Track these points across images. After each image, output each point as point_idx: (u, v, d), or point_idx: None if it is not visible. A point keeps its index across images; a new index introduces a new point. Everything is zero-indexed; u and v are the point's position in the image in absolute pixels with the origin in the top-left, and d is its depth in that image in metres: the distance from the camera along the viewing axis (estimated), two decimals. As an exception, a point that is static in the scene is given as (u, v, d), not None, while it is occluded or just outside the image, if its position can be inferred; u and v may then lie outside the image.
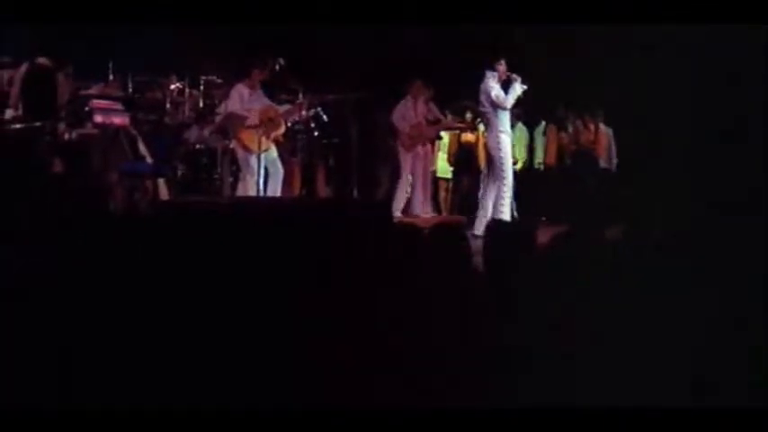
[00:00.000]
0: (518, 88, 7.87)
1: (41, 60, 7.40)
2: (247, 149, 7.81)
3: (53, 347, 2.73)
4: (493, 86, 7.87)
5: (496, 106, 7.87)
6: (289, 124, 8.84)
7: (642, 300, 2.87)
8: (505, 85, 7.95)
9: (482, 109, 8.01)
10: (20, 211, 6.28)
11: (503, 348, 2.72)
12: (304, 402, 2.55)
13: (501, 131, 7.87)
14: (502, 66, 7.97)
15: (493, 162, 7.93)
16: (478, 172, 9.39)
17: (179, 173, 8.22)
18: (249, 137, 7.79)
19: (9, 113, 7.46)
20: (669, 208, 7.15)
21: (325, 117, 9.27)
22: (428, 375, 2.66)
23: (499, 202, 7.82)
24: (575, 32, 8.47)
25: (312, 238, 4.83)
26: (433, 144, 10.47)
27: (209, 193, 8.18)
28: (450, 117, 10.35)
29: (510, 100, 7.91)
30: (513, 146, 10.75)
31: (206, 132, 8.10)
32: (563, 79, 9.69)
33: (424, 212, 9.87)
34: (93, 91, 7.70)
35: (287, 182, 8.82)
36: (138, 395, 2.56)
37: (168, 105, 8.70)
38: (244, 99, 7.89)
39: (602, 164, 10.29)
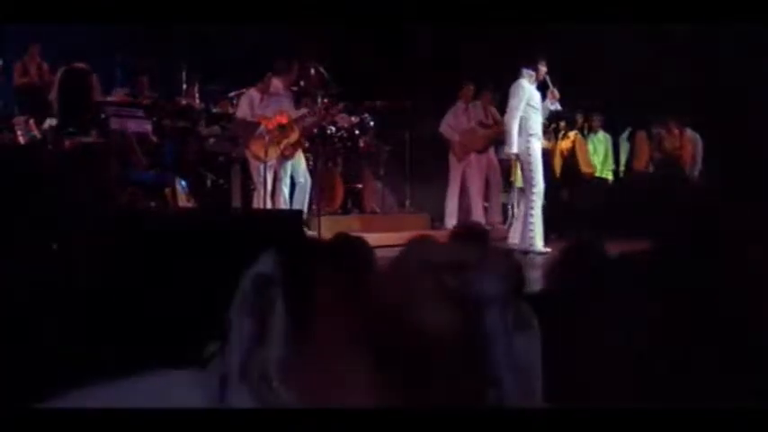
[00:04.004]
0: (548, 105, 7.22)
1: (77, 65, 7.22)
2: (257, 158, 7.38)
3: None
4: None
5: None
6: (329, 131, 8.43)
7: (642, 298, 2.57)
8: (541, 87, 7.26)
9: (513, 110, 7.31)
10: (26, 218, 6.23)
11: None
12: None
13: (531, 135, 7.12)
14: (543, 66, 7.26)
15: (522, 168, 7.20)
16: (554, 181, 8.91)
17: (208, 182, 7.97)
18: (258, 145, 7.37)
19: (48, 122, 7.42)
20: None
21: (372, 124, 8.84)
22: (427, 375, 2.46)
23: (528, 213, 7.08)
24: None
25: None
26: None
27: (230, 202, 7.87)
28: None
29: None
30: (594, 154, 10.09)
31: (211, 141, 7.73)
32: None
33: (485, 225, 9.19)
34: (113, 98, 7.54)
35: (327, 193, 8.40)
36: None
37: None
38: (254, 105, 7.45)
39: (688, 172, 9.28)
